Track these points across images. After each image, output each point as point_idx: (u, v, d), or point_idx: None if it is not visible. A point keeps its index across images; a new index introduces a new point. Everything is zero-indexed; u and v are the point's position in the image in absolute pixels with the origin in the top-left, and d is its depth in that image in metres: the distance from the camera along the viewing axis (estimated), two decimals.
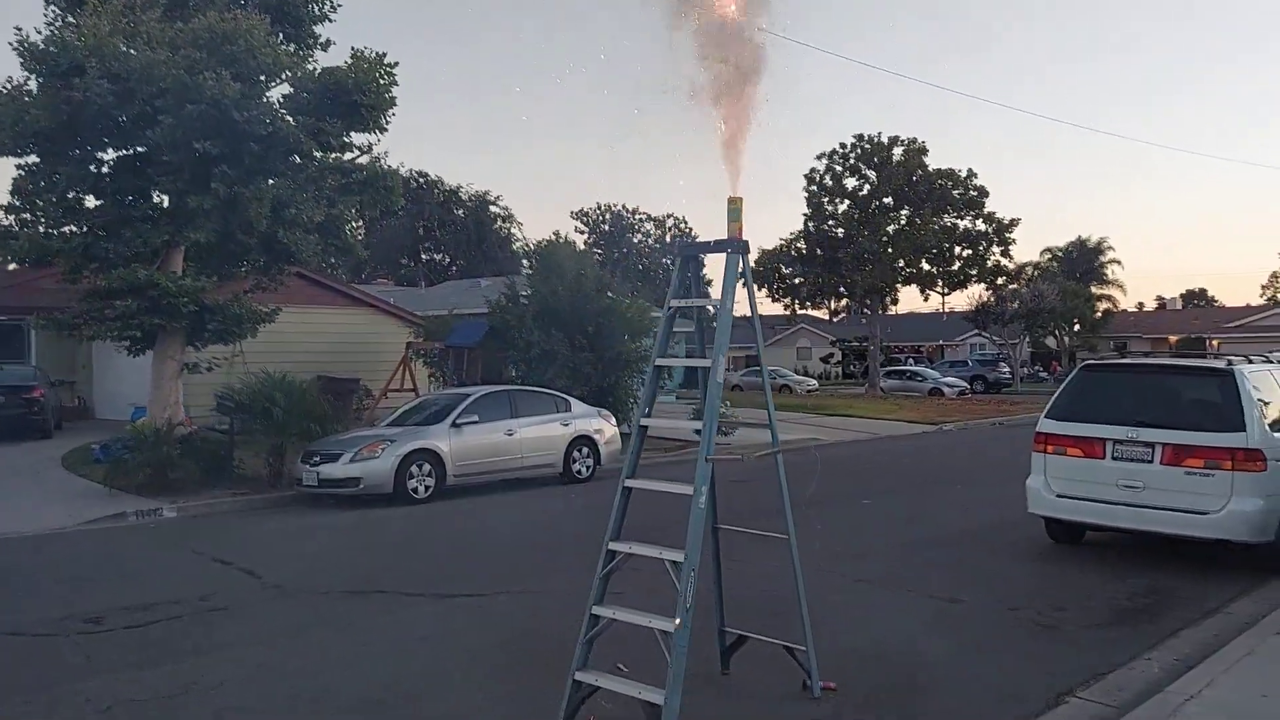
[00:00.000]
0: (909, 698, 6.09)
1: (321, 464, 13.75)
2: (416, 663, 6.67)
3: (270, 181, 16.35)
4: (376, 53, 15.93)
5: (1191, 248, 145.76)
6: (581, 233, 59.69)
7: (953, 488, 15.44)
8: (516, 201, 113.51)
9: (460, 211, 54.84)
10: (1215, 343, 68.63)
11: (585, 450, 16.12)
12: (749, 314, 6.27)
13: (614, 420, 17.26)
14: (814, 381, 53.02)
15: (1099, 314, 69.15)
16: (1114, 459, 9.75)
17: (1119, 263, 73.88)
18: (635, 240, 61.46)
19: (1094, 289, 69.64)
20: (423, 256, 56.15)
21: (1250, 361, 10.49)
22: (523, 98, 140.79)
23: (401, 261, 53.22)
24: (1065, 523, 10.50)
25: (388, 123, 16.39)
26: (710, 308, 5.87)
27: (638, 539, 5.64)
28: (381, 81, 15.90)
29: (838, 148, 44.64)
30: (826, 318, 73.13)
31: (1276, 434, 9.49)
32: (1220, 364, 10.03)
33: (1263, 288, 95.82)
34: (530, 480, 15.52)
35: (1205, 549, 9.71)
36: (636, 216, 63.59)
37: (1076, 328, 65.50)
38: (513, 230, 57.46)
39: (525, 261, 24.53)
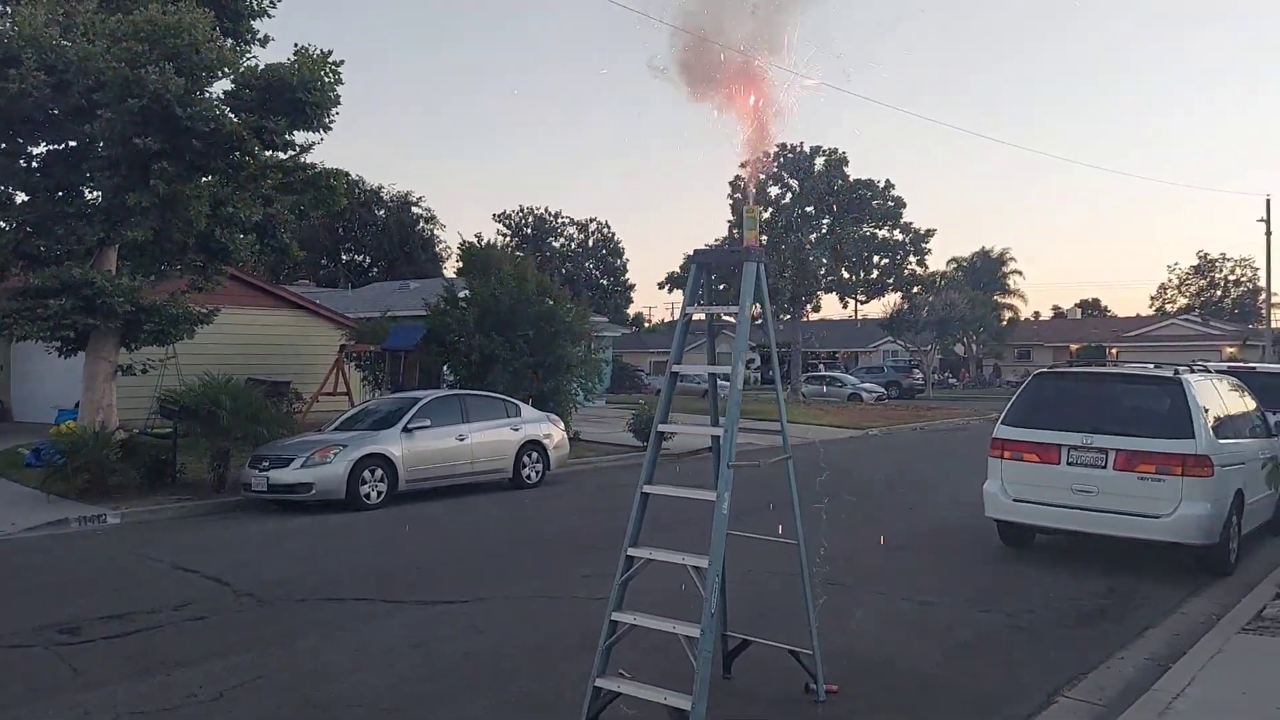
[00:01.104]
0: (909, 700, 6.25)
1: (271, 469, 13.44)
2: (416, 669, 6.60)
3: (205, 179, 15.96)
4: (321, 50, 15.62)
5: (1085, 259, 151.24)
6: (504, 235, 59.38)
7: (896, 491, 15.80)
8: (437, 203, 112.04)
9: (381, 212, 54.02)
10: (1114, 351, 71.41)
11: (535, 455, 16.07)
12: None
13: (562, 425, 17.24)
14: None
15: (1004, 322, 71.42)
16: (1069, 464, 10.11)
17: (1020, 273, 76.19)
18: (557, 245, 61.43)
19: (997, 298, 71.72)
20: (343, 257, 55.10)
21: (1192, 370, 10.99)
22: (450, 98, 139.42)
23: (321, 262, 52.16)
24: (1019, 526, 10.85)
25: (331, 121, 16.05)
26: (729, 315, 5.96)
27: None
28: (327, 80, 15.59)
29: (760, 156, 45.20)
30: None
31: (1221, 440, 9.98)
32: (1168, 373, 10.47)
33: (1152, 298, 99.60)
34: (480, 485, 15.42)
35: (1150, 550, 10.11)
36: (559, 220, 63.61)
37: (982, 335, 67.53)
38: (435, 232, 56.95)
39: (460, 263, 24.20)
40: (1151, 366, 11.49)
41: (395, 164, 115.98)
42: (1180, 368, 10.87)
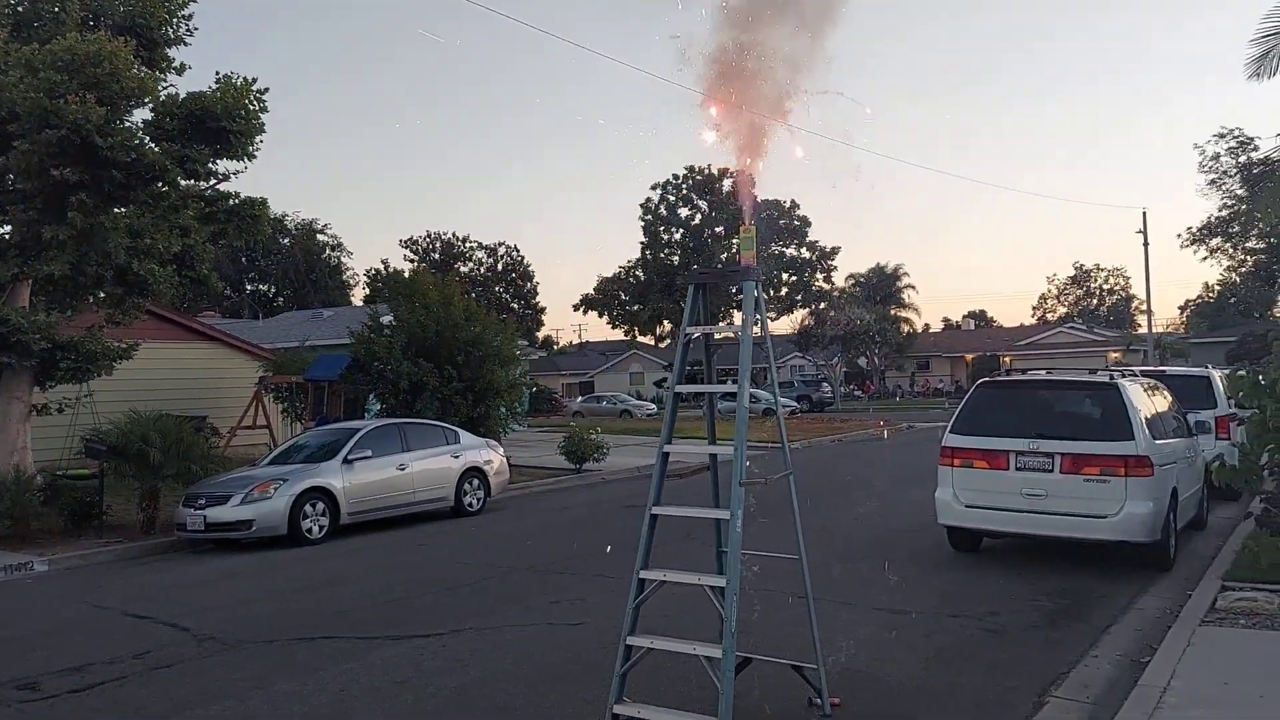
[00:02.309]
0: (907, 710, 6.32)
1: (208, 507, 12.98)
2: (410, 708, 6.44)
3: (120, 210, 15.40)
4: (245, 78, 15.27)
5: (969, 272, 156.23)
6: (411, 261, 58.62)
7: (836, 502, 16.00)
8: (344, 229, 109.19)
9: (286, 240, 52.77)
10: (1007, 359, 73.87)
11: (476, 482, 15.86)
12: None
13: (502, 450, 17.05)
14: (653, 406, 53.70)
15: (904, 335, 73.29)
16: (1017, 469, 10.40)
17: (914, 288, 78.21)
18: (465, 269, 60.85)
19: (894, 312, 73.57)
20: (247, 287, 53.58)
21: (1122, 375, 11.44)
22: (354, 123, 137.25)
23: (225, 293, 50.66)
24: (969, 531, 11.11)
25: (256, 150, 15.68)
26: (732, 334, 6.00)
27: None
28: (251, 107, 15.23)
29: (670, 178, 45.86)
30: (652, 343, 74.53)
31: (1157, 441, 10.40)
32: (1105, 378, 10.89)
33: (1033, 308, 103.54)
34: (422, 515, 15.14)
35: (1093, 549, 10.44)
36: (467, 244, 63.06)
37: (885, 349, 69.17)
38: (343, 259, 55.89)
39: (367, 290, 23.86)
40: (1044, 373, 11.89)
41: (299, 190, 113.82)
42: (1113, 372, 11.32)
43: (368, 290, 56.62)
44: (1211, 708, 5.86)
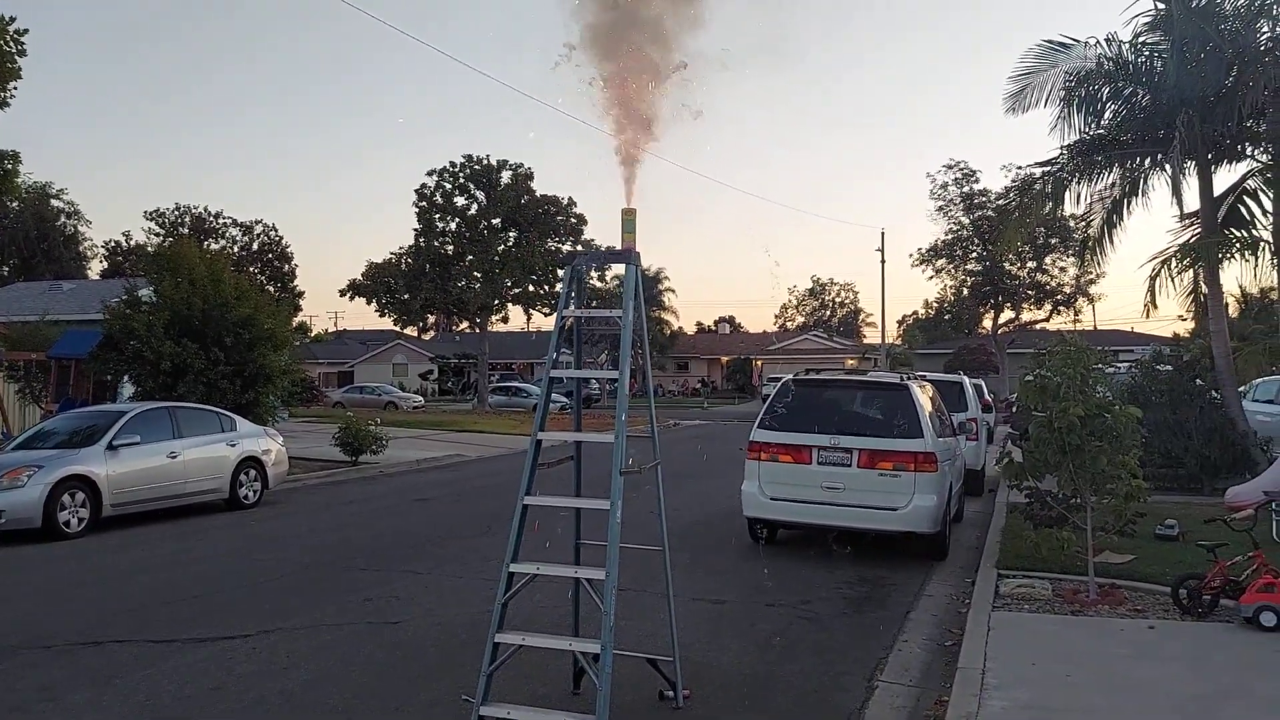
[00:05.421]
0: (751, 696, 6.43)
1: None
2: (234, 716, 5.90)
3: None
4: (1, 15, 13.63)
5: (716, 279, 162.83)
6: (156, 235, 54.14)
7: (627, 496, 16.17)
8: (82, 196, 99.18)
9: (15, 204, 47.39)
10: (759, 363, 77.60)
11: (253, 473, 14.84)
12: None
13: (281, 439, 16.04)
14: (419, 398, 52.46)
15: (667, 336, 75.55)
16: (819, 464, 10.87)
17: (673, 291, 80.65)
18: (217, 246, 56.88)
19: (655, 313, 75.70)
20: None
21: (910, 378, 12.17)
22: (98, 81, 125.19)
23: None
24: (769, 523, 11.48)
25: (11, 97, 14.07)
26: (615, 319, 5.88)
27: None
28: (7, 49, 13.64)
29: (448, 166, 44.85)
30: (415, 334, 72.87)
31: (939, 439, 11.15)
32: (896, 379, 11.57)
33: (775, 316, 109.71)
34: (194, 508, 14.01)
35: (876, 539, 11.03)
36: (221, 220, 59.04)
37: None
38: (80, 228, 50.85)
39: (106, 264, 21.96)
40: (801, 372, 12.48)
41: (29, 149, 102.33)
42: (903, 374, 12.04)
43: (106, 264, 52.17)
44: (1031, 687, 6.29)
